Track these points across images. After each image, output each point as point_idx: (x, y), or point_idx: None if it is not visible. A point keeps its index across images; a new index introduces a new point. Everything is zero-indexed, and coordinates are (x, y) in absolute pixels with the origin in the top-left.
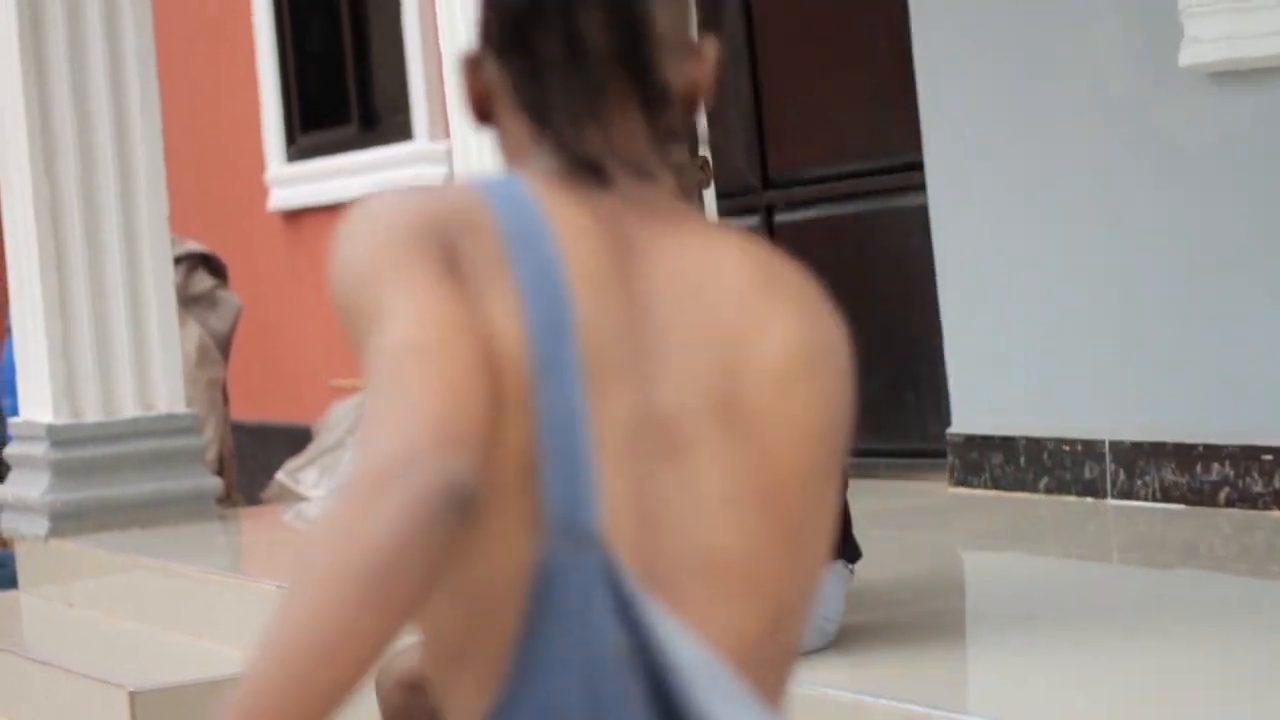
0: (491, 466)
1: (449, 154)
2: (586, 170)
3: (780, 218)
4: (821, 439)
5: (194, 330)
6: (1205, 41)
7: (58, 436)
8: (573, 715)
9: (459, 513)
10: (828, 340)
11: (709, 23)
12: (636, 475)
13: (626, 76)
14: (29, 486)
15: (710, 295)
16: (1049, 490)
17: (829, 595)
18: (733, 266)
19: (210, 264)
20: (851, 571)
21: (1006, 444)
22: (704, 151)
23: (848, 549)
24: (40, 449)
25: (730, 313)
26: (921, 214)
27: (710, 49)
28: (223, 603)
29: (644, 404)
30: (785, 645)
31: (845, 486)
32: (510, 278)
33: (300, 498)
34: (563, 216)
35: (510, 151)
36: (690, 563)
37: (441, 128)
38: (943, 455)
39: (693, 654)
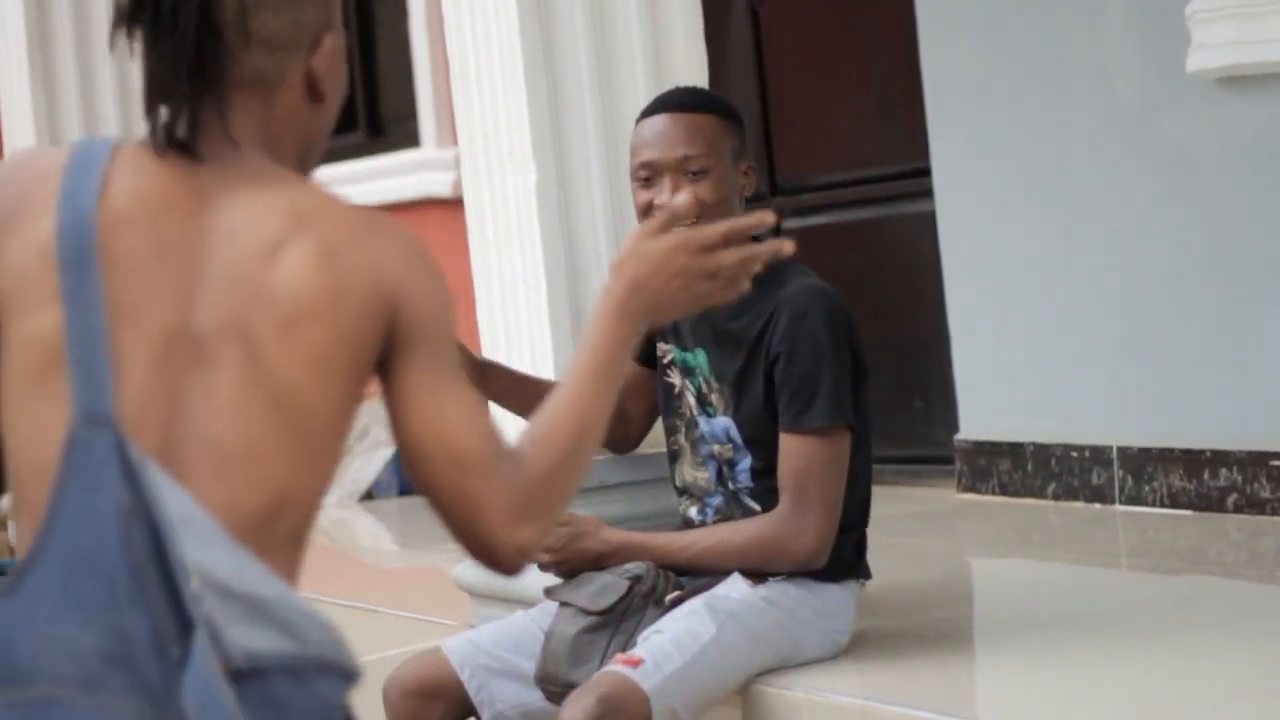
0: (27, 360)
1: (456, 161)
2: (168, 143)
3: (788, 224)
4: (325, 363)
5: None
6: (1212, 47)
7: None
8: (87, 558)
9: None
10: (341, 280)
11: (715, 30)
12: (165, 377)
13: (214, 65)
14: None
15: (244, 241)
16: (1057, 496)
17: (842, 607)
18: (272, 218)
19: None
20: (862, 585)
21: (1014, 450)
22: (748, 159)
23: (860, 569)
24: None
25: (254, 256)
26: (929, 220)
27: (330, 43)
28: None
29: (179, 323)
30: (291, 528)
31: (868, 509)
32: (56, 218)
33: None
34: (123, 173)
35: None
36: (201, 449)
37: (448, 135)
38: (950, 461)
39: (183, 509)
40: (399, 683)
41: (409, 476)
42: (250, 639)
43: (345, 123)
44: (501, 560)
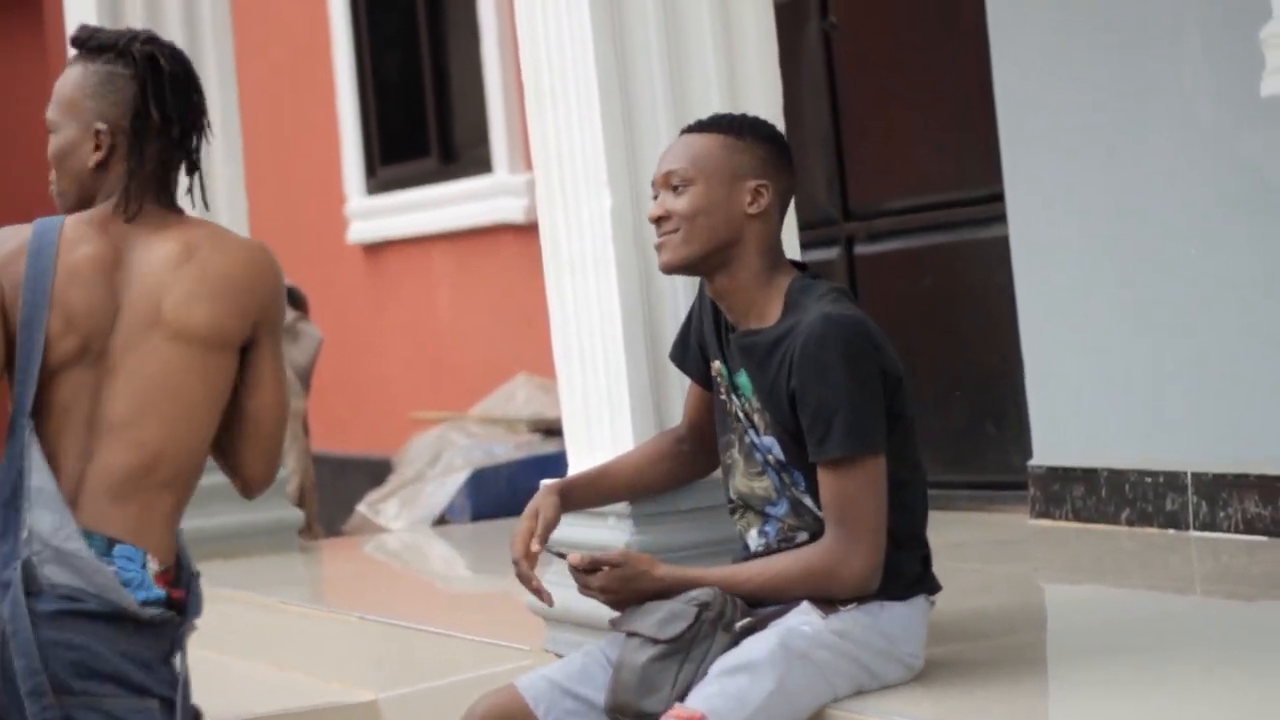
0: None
1: (529, 186)
2: (117, 209)
3: (861, 249)
4: (200, 347)
5: None
6: None
7: None
8: None
9: None
10: (225, 284)
11: (789, 54)
12: (83, 377)
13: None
14: None
15: (147, 271)
16: (1131, 522)
17: (912, 630)
18: (166, 253)
19: (291, 296)
20: (932, 604)
21: (1088, 476)
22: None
23: (927, 582)
24: None
25: (154, 281)
26: (1002, 245)
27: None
28: (303, 633)
29: (100, 338)
30: (164, 480)
31: (925, 513)
32: (23, 278)
33: (381, 529)
34: (71, 238)
35: None
36: (104, 426)
37: (521, 160)
38: (1024, 487)
39: (40, 480)
40: (476, 713)
41: (222, 436)
42: (54, 575)
43: (417, 149)
44: (267, 485)
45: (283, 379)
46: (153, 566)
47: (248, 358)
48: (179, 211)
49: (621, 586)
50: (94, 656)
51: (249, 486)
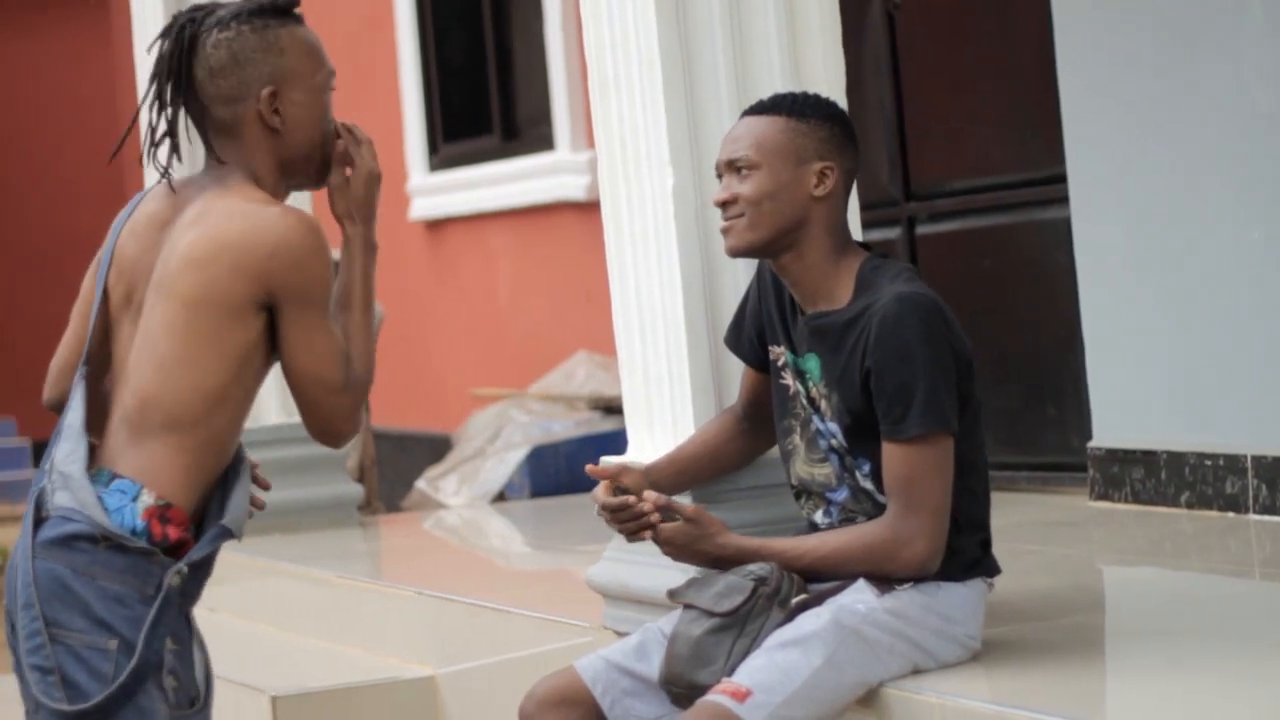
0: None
1: (591, 164)
2: (163, 175)
3: (922, 230)
4: (195, 305)
5: None
6: None
7: None
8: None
9: None
10: (217, 247)
11: (852, 34)
12: (130, 327)
13: (200, 117)
14: None
15: (175, 231)
16: (1190, 505)
17: (969, 611)
18: (189, 215)
19: None
20: (990, 586)
21: (1148, 458)
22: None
23: (986, 565)
24: None
25: (178, 235)
26: (1064, 227)
27: (267, 93)
28: (363, 609)
29: (140, 290)
30: (162, 423)
31: (987, 497)
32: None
33: (440, 506)
34: (149, 195)
35: None
36: (121, 372)
37: (584, 138)
38: (1083, 469)
39: (71, 416)
40: (536, 699)
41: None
42: (60, 499)
43: (480, 126)
44: (336, 443)
45: (316, 346)
46: (145, 500)
47: (276, 322)
48: (236, 176)
49: (687, 543)
50: (67, 584)
51: (317, 439)
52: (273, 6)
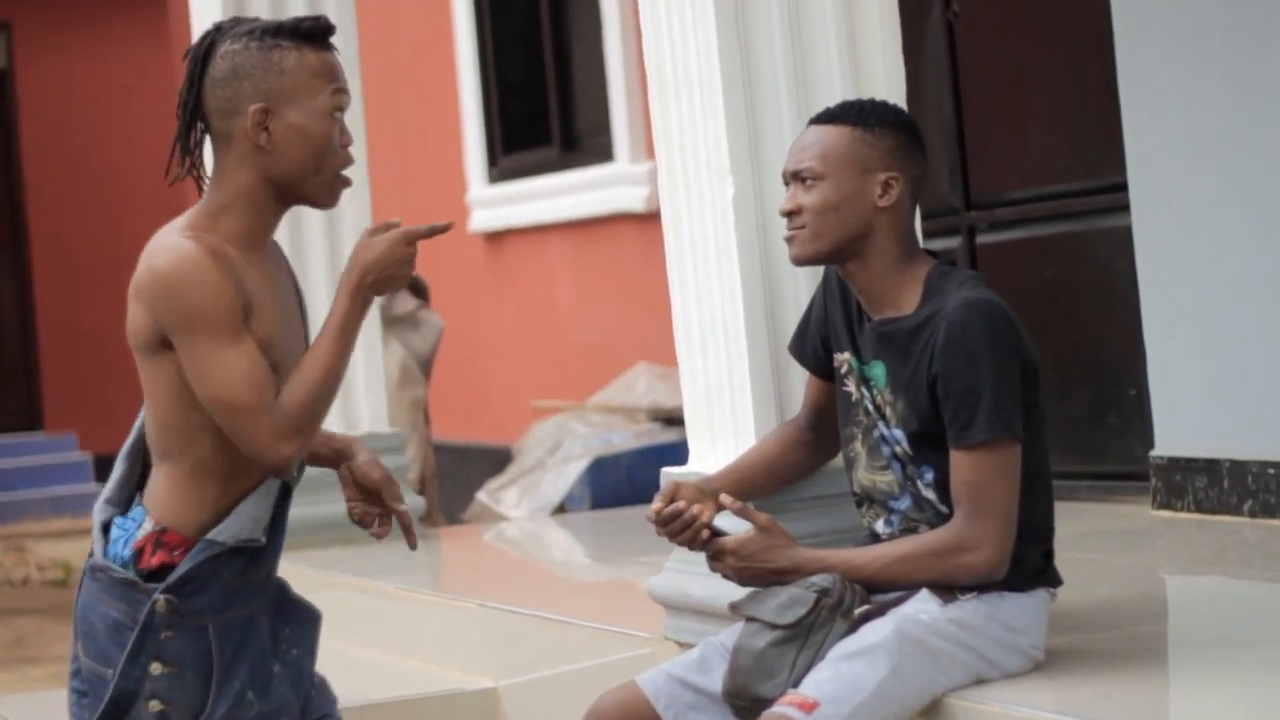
0: None
1: (650, 175)
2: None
3: (983, 239)
4: (131, 342)
5: (397, 351)
6: None
7: None
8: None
9: None
10: (134, 285)
11: (912, 43)
12: None
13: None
14: None
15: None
16: (1253, 514)
17: (1033, 620)
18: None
19: (413, 285)
20: (1053, 597)
21: (1210, 467)
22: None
23: (1048, 576)
24: None
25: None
26: (1125, 235)
27: (255, 109)
28: (423, 621)
29: None
30: (153, 450)
31: (1050, 506)
32: None
33: (501, 517)
34: None
35: None
36: None
37: (643, 150)
38: (1145, 478)
39: (130, 442)
40: (598, 715)
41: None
42: (99, 514)
43: (539, 138)
44: (274, 469)
45: (214, 374)
46: (146, 527)
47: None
48: (202, 203)
49: (756, 551)
50: (85, 614)
51: (258, 465)
52: (293, 29)
